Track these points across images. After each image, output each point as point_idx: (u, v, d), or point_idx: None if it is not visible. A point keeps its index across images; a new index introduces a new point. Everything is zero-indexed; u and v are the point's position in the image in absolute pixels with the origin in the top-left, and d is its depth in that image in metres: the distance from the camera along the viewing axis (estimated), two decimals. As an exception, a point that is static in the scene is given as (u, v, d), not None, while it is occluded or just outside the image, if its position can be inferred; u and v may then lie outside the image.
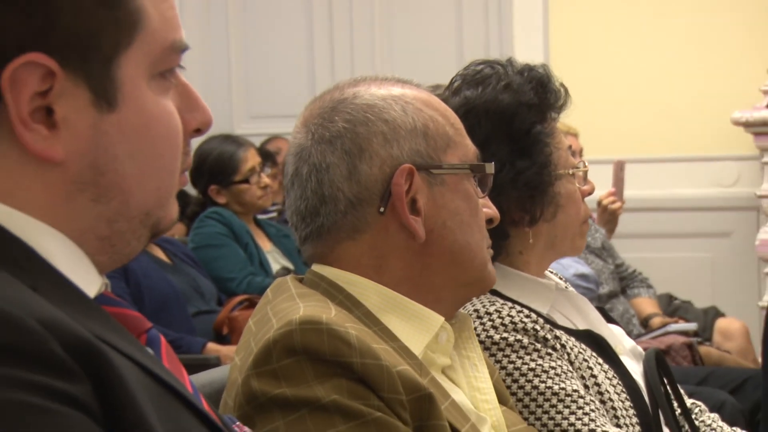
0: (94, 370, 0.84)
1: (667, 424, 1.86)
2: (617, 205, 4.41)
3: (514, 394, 1.71)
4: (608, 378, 1.80)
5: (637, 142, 5.36)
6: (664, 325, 4.22)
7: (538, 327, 1.76)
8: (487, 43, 5.60)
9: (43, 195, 0.94)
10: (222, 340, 3.86)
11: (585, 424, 1.68)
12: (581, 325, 1.90)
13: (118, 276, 3.54)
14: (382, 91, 1.48)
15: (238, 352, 1.41)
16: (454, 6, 5.68)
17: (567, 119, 1.97)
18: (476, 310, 1.76)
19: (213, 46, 5.94)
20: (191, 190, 4.52)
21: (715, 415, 2.07)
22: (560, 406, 1.69)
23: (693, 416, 2.00)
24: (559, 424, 1.69)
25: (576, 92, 1.90)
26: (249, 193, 4.39)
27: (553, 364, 1.73)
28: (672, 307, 4.65)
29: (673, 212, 5.37)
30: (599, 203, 4.41)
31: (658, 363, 1.91)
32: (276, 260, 4.45)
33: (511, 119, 1.80)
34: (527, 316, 1.77)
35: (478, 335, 1.71)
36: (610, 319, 2.02)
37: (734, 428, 2.04)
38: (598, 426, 1.68)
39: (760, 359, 3.82)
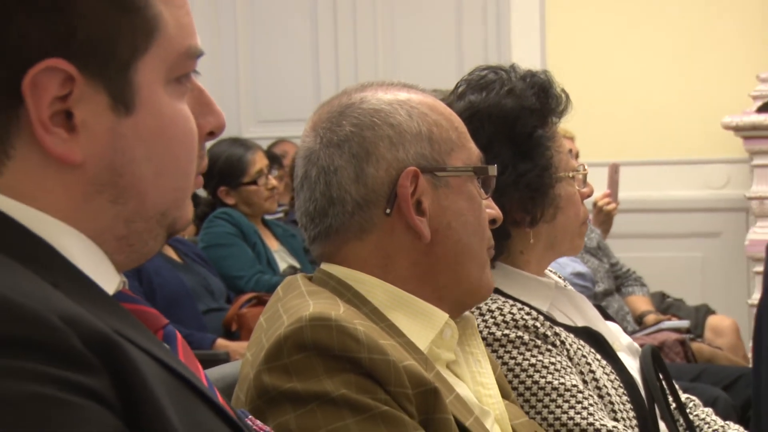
0: (113, 364, 0.84)
1: (662, 418, 1.85)
2: (612, 206, 4.41)
3: (515, 389, 1.70)
4: (606, 373, 1.80)
5: (632, 146, 5.36)
6: (658, 322, 4.22)
7: (538, 324, 1.76)
8: (485, 48, 5.61)
9: (63, 196, 0.94)
10: (231, 336, 3.86)
11: (584, 418, 1.68)
12: (580, 322, 1.90)
13: (131, 275, 3.54)
14: (389, 96, 1.48)
15: (250, 348, 1.41)
16: (454, 12, 5.69)
17: (563, 123, 1.97)
18: (478, 308, 1.76)
19: (222, 54, 5.95)
20: (201, 192, 4.52)
21: (708, 410, 2.07)
22: (560, 401, 1.69)
23: (687, 410, 2.00)
24: (558, 418, 1.68)
25: (572, 97, 1.90)
26: (257, 194, 4.39)
27: (552, 360, 1.73)
28: (665, 304, 4.65)
29: (665, 213, 5.37)
30: (595, 204, 4.41)
31: (654, 359, 1.91)
32: (283, 259, 4.45)
33: (514, 123, 1.80)
34: (528, 314, 1.77)
35: (480, 332, 1.71)
36: (607, 317, 2.02)
37: (727, 422, 2.04)
38: (596, 420, 1.68)
39: (750, 355, 3.82)
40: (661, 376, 1.91)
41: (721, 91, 5.19)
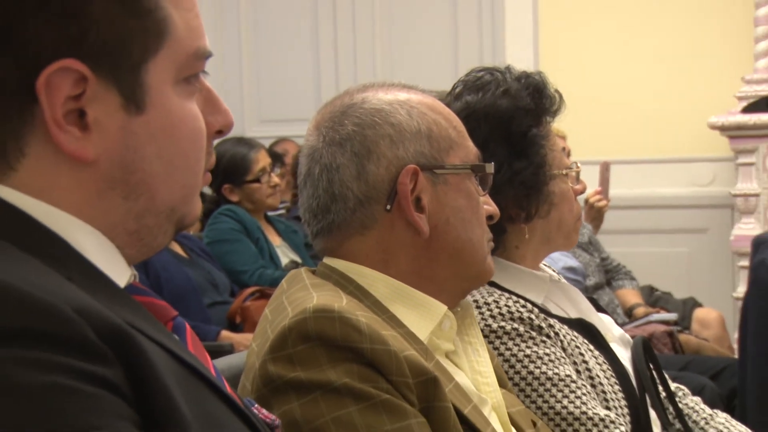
0: (125, 355, 0.84)
1: (653, 407, 1.86)
2: (603, 203, 4.41)
3: (511, 379, 1.70)
4: (599, 363, 1.80)
5: (621, 145, 5.37)
6: (647, 314, 4.22)
7: (533, 316, 1.76)
8: (480, 50, 5.61)
9: (76, 193, 0.94)
10: (235, 328, 3.86)
11: (577, 407, 1.68)
12: (573, 314, 1.90)
13: (139, 269, 3.53)
14: (389, 96, 1.48)
15: (256, 339, 1.41)
16: (450, 16, 5.69)
17: (555, 122, 1.97)
18: (476, 301, 1.76)
19: (226, 55, 5.96)
20: (206, 189, 4.52)
21: (697, 398, 2.07)
22: (554, 390, 1.69)
23: (677, 399, 2.00)
24: (553, 407, 1.69)
25: (564, 97, 1.90)
26: (260, 191, 4.39)
27: (547, 350, 1.73)
28: (653, 297, 4.65)
29: (654, 210, 5.38)
30: (586, 201, 4.41)
31: (645, 350, 1.91)
32: (285, 254, 4.45)
33: (509, 122, 1.80)
34: (523, 306, 1.77)
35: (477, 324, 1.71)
36: (599, 309, 2.02)
37: (714, 410, 2.04)
38: (589, 408, 1.68)
39: (735, 347, 3.83)
40: (651, 367, 1.91)
41: (707, 93, 5.19)
